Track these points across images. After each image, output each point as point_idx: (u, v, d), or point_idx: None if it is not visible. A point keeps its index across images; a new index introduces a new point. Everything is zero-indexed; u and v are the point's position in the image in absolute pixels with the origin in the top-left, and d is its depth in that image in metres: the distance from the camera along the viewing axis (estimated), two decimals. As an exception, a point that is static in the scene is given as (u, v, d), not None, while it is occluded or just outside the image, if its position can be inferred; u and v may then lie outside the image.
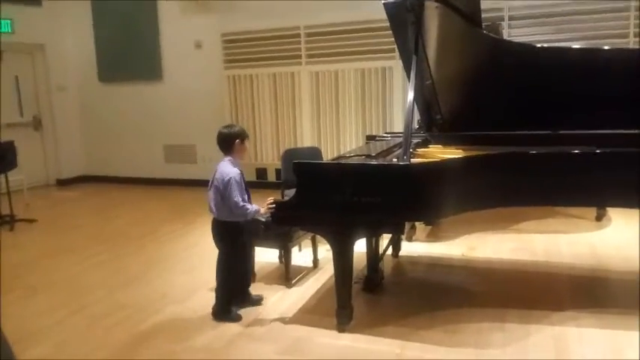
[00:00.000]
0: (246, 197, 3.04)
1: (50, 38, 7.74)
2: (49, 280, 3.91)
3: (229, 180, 2.95)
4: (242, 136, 3.07)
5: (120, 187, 7.65)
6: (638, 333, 2.74)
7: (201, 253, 4.45)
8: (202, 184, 7.18)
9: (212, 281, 3.70)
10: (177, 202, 6.63)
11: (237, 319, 3.10)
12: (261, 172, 7.07)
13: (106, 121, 8.07)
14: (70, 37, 7.98)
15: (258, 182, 6.93)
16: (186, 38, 7.26)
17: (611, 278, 3.61)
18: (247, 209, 2.96)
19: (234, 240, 3.10)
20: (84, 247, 4.73)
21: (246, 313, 3.20)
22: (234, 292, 3.21)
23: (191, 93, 7.40)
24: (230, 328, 3.01)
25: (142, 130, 7.83)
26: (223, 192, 2.98)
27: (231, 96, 7.06)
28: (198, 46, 7.23)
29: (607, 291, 3.43)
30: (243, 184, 3.05)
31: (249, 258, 3.38)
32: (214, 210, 3.09)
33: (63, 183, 7.99)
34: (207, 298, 3.44)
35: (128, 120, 7.89)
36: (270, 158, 6.95)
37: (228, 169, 3.00)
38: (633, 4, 5.28)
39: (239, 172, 3.02)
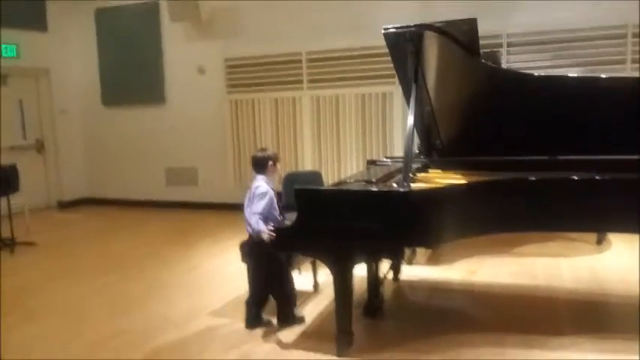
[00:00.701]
0: (277, 214, 3.23)
1: (55, 62, 7.86)
2: (49, 304, 3.92)
3: (266, 192, 3.21)
4: (274, 158, 3.38)
5: (121, 210, 7.68)
6: (637, 358, 2.74)
7: (203, 277, 4.47)
8: (203, 206, 7.38)
9: (213, 304, 3.73)
10: (178, 224, 6.64)
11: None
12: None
13: (109, 144, 8.14)
14: (75, 61, 8.11)
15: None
16: (189, 63, 7.37)
17: (612, 303, 3.61)
18: (258, 223, 3.11)
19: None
20: (85, 271, 4.74)
21: (245, 337, 3.19)
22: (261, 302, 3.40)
23: (193, 117, 7.48)
24: (228, 353, 3.00)
25: (143, 153, 7.89)
26: (253, 200, 3.22)
27: (233, 120, 7.13)
28: (201, 71, 7.33)
29: (608, 316, 3.43)
30: (276, 204, 3.27)
31: (287, 277, 3.39)
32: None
33: (64, 205, 8.02)
34: (208, 322, 3.45)
35: (130, 143, 7.96)
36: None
37: (264, 185, 3.27)
38: (630, 31, 5.37)
39: (272, 190, 3.28)
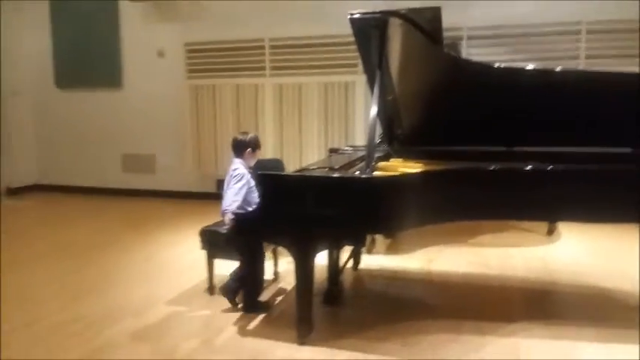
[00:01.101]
0: (256, 196, 3.17)
1: (4, 41, 7.46)
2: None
3: (243, 175, 3.23)
4: (254, 145, 3.38)
5: (75, 197, 7.42)
6: (585, 343, 2.86)
7: (160, 265, 4.37)
8: (161, 194, 7.23)
9: (172, 293, 3.67)
10: (135, 212, 6.48)
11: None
12: (222, 184, 6.98)
13: (62, 129, 7.84)
14: (27, 41, 7.72)
15: (218, 194, 6.85)
16: (148, 45, 7.16)
17: (561, 291, 3.76)
18: (227, 206, 3.15)
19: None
20: (36, 259, 4.56)
21: (204, 325, 3.16)
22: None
23: (152, 101, 7.29)
24: (188, 341, 2.96)
25: (99, 138, 7.64)
26: (230, 183, 3.25)
27: (192, 106, 6.98)
28: (161, 54, 7.14)
29: (557, 303, 3.57)
30: (254, 187, 3.26)
31: (262, 263, 3.40)
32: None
33: (14, 192, 7.68)
34: (166, 310, 3.39)
35: (85, 128, 7.69)
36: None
37: (241, 168, 3.29)
38: (584, 27, 5.55)
39: (249, 174, 3.29)
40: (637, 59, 5.29)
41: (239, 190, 3.20)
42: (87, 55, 7.43)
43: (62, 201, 7.27)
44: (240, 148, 3.39)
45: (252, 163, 3.43)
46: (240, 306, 3.38)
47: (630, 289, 3.66)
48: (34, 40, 7.73)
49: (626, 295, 3.57)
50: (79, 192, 7.61)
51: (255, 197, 3.23)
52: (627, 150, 3.38)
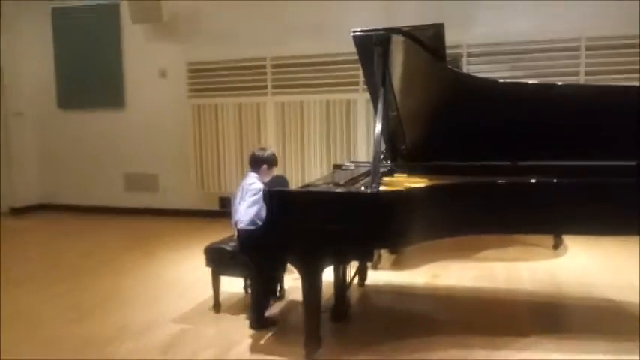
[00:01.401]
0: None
1: (8, 63, 7.53)
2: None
3: (260, 190, 3.16)
4: (270, 163, 3.43)
5: (78, 217, 7.40)
6: (597, 356, 2.82)
7: (163, 285, 4.34)
8: (164, 213, 7.20)
9: (174, 312, 3.63)
10: (137, 232, 6.46)
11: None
12: (225, 202, 6.98)
13: (65, 149, 7.86)
14: (30, 62, 7.77)
15: (221, 212, 6.85)
16: (150, 66, 7.22)
17: (570, 304, 3.73)
18: (239, 218, 3.20)
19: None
20: (38, 279, 4.54)
21: (210, 344, 3.12)
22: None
23: (154, 121, 7.32)
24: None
25: (101, 158, 7.65)
26: (245, 197, 3.27)
27: (195, 125, 7.01)
28: (163, 74, 7.20)
29: (567, 316, 3.54)
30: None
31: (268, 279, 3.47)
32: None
33: (18, 212, 7.67)
34: (169, 331, 3.35)
35: (88, 148, 7.71)
36: (235, 187, 6.87)
37: (258, 183, 3.32)
38: (583, 44, 5.60)
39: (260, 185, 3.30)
40: (637, 75, 5.33)
41: (253, 203, 3.19)
42: (89, 76, 7.48)
43: (65, 220, 7.25)
44: (258, 163, 3.43)
45: (267, 179, 3.45)
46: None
47: (638, 300, 3.63)
48: (36, 61, 7.79)
49: (635, 307, 3.54)
50: (81, 211, 7.60)
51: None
52: (631, 163, 3.39)
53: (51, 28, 7.67)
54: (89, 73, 7.47)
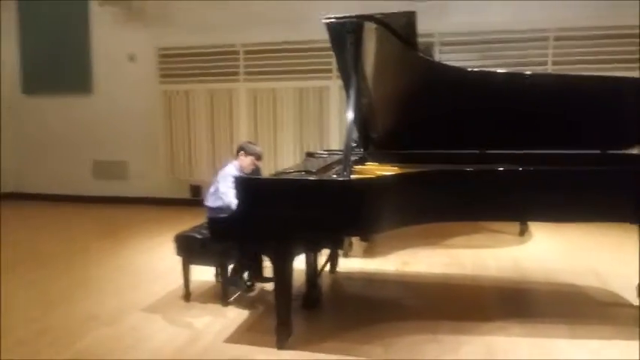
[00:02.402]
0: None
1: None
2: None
3: (229, 174, 3.40)
4: (246, 151, 3.55)
5: (45, 206, 7.22)
6: (560, 340, 2.92)
7: (134, 273, 4.29)
8: (134, 201, 7.09)
9: (145, 301, 3.60)
10: (106, 220, 6.35)
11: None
12: (196, 189, 6.93)
13: (30, 136, 7.64)
14: (-8, 45, 7.52)
15: (192, 200, 6.79)
16: (119, 50, 7.05)
17: (534, 289, 3.83)
18: (227, 195, 3.33)
19: None
20: (4, 269, 4.41)
21: (180, 332, 3.11)
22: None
23: (123, 107, 7.17)
24: (164, 349, 2.91)
25: (69, 145, 7.47)
26: (219, 180, 3.45)
27: (165, 111, 6.90)
28: (132, 59, 7.04)
29: (530, 301, 3.63)
30: None
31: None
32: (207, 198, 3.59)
33: (-21, 200, 7.44)
34: (140, 319, 3.32)
35: (54, 134, 7.51)
36: (206, 175, 6.82)
37: (228, 167, 3.53)
38: (551, 34, 5.71)
39: (236, 174, 3.40)
40: (602, 65, 5.47)
41: (230, 184, 3.30)
42: (56, 60, 7.27)
43: (31, 210, 7.07)
44: (237, 150, 3.61)
45: (245, 169, 3.54)
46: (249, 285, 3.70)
47: (600, 285, 3.77)
48: (0, 46, 7.51)
49: (596, 292, 3.68)
50: (49, 200, 7.42)
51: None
52: (596, 152, 3.50)
53: (16, 10, 7.40)
54: (55, 57, 7.27)
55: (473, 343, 2.90)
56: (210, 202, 3.53)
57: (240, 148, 3.59)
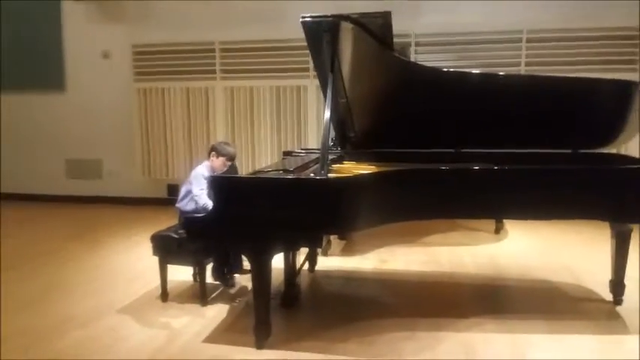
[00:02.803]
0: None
1: None
2: None
3: (199, 174, 3.43)
4: (218, 152, 3.52)
5: (16, 205, 7.04)
6: (536, 335, 2.98)
7: (109, 273, 4.23)
8: (109, 200, 6.99)
9: (122, 301, 3.55)
10: (81, 220, 6.24)
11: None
12: (173, 189, 6.84)
13: (1, 133, 7.42)
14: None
15: (169, 199, 6.71)
16: (92, 47, 6.92)
17: (510, 286, 3.90)
18: (201, 198, 3.35)
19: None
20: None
21: (158, 333, 3.08)
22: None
23: (97, 105, 7.04)
24: (142, 350, 2.87)
25: (40, 143, 7.29)
26: (192, 182, 3.44)
27: (141, 109, 6.80)
28: (106, 55, 6.92)
29: (506, 298, 3.69)
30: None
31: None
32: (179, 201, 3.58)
33: (-54, 200, 7.23)
34: (116, 320, 3.28)
35: (26, 132, 7.32)
36: (183, 174, 6.73)
37: (199, 168, 3.51)
38: (525, 36, 5.81)
39: (208, 174, 3.41)
40: (574, 67, 5.59)
41: (202, 185, 3.40)
42: (27, 57, 7.09)
43: (2, 209, 6.88)
44: (209, 151, 3.59)
45: (217, 170, 3.51)
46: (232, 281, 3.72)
47: (573, 281, 3.86)
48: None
49: (570, 288, 3.76)
50: (20, 200, 7.24)
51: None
52: (568, 151, 3.57)
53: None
54: (27, 53, 7.08)
55: (451, 340, 2.94)
56: (183, 204, 3.50)
57: (212, 149, 3.56)
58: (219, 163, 3.52)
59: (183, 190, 3.54)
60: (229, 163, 3.60)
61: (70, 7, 6.87)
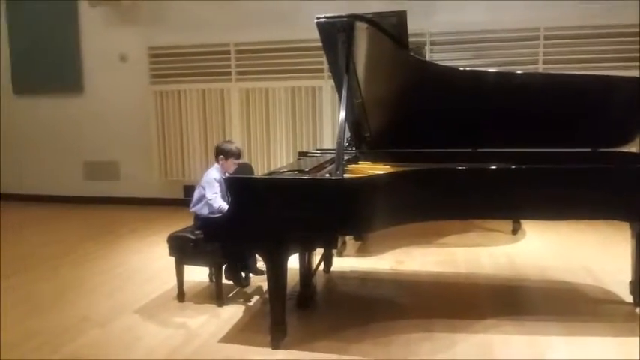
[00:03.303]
0: (227, 199, 3.23)
1: (-42, 47, 7.19)
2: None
3: (213, 179, 3.45)
4: (227, 154, 3.55)
5: (35, 207, 7.16)
6: (555, 337, 2.94)
7: (126, 274, 4.27)
8: (126, 202, 7.06)
9: (139, 302, 3.58)
10: (98, 221, 6.31)
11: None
12: (189, 190, 6.87)
13: (21, 136, 7.56)
14: (-18, 46, 7.44)
15: (185, 200, 6.75)
16: (109, 50, 7.00)
17: (528, 287, 3.85)
18: (216, 201, 3.37)
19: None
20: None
21: (175, 333, 3.10)
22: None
23: (114, 107, 7.13)
24: (158, 349, 2.89)
25: (59, 145, 7.40)
26: (205, 186, 3.45)
27: (157, 111, 6.87)
28: (123, 58, 7.00)
29: (524, 299, 3.65)
30: (223, 189, 3.41)
31: None
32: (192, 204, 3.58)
33: (-31, 202, 7.37)
34: (133, 320, 3.31)
35: (45, 135, 7.44)
36: (199, 175, 6.74)
37: (211, 172, 3.53)
38: (542, 34, 5.74)
39: (220, 177, 3.49)
40: (592, 64, 5.51)
41: (215, 190, 3.43)
42: (46, 60, 7.20)
43: (22, 211, 7.01)
44: (216, 154, 3.60)
45: (228, 171, 3.55)
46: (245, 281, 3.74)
47: (593, 282, 3.80)
48: (-11, 46, 7.45)
49: (589, 289, 3.70)
50: (39, 201, 7.36)
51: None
52: (587, 150, 3.52)
53: (4, 10, 7.34)
54: (46, 57, 7.19)
55: (467, 341, 2.91)
56: (198, 208, 3.52)
57: (218, 152, 3.58)
58: (229, 165, 3.56)
59: (196, 195, 3.55)
60: (238, 161, 3.63)
61: (86, 10, 6.95)
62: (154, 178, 7.00)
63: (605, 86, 3.37)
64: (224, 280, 3.59)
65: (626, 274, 3.38)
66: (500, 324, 3.12)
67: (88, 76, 7.18)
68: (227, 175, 3.46)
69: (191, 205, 3.58)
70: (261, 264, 3.35)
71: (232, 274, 3.67)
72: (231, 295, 3.65)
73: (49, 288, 3.96)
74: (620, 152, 3.53)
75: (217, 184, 3.44)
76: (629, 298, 3.37)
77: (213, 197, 3.39)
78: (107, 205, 7.04)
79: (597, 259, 4.34)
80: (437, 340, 2.94)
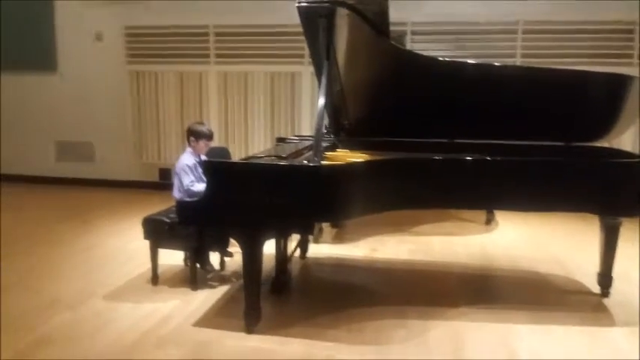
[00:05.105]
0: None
1: None
2: None
3: (181, 166, 3.41)
4: (198, 136, 3.52)
5: (4, 186, 6.97)
6: (523, 325, 3.01)
7: (100, 256, 4.21)
8: (100, 184, 6.94)
9: (112, 284, 3.54)
10: (70, 202, 6.19)
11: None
12: (165, 173, 6.81)
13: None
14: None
15: (161, 183, 6.69)
16: (85, 28, 6.81)
17: (500, 276, 3.93)
18: (194, 186, 3.33)
19: None
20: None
21: (147, 316, 3.07)
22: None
23: (89, 87, 6.96)
24: (130, 333, 2.87)
25: (30, 124, 7.21)
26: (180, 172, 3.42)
27: (133, 92, 6.74)
28: (99, 37, 6.82)
29: (496, 288, 3.73)
30: (199, 172, 3.42)
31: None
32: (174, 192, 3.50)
33: None
34: (105, 302, 3.27)
35: (14, 114, 7.23)
36: (175, 158, 6.68)
37: (183, 158, 3.47)
38: (520, 27, 5.79)
39: (193, 161, 3.45)
40: (570, 59, 5.59)
41: (189, 178, 3.39)
42: (19, 38, 6.97)
43: (-10, 190, 6.84)
44: (187, 136, 3.56)
45: (201, 152, 3.55)
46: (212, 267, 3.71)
47: (562, 273, 3.89)
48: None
49: (558, 279, 3.79)
50: (7, 181, 7.16)
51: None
52: (561, 143, 3.58)
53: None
54: (18, 34, 6.96)
55: (439, 328, 2.96)
56: (180, 195, 3.42)
57: (190, 133, 3.55)
58: (201, 146, 3.53)
59: (175, 183, 3.48)
60: (209, 143, 3.60)
61: (62, -14, 6.75)
62: (129, 161, 6.89)
63: (581, 81, 3.43)
64: (198, 264, 3.58)
65: (595, 266, 3.48)
66: (472, 312, 3.18)
67: (62, 54, 6.98)
68: (203, 158, 3.42)
69: (173, 191, 3.50)
70: (234, 248, 3.33)
71: (199, 257, 3.61)
72: (205, 279, 3.63)
73: (21, 269, 3.88)
74: (593, 147, 3.61)
75: (190, 170, 3.41)
76: (597, 289, 3.47)
77: (189, 183, 3.36)
78: (81, 187, 6.90)
79: (567, 250, 4.45)
80: (410, 326, 2.98)
